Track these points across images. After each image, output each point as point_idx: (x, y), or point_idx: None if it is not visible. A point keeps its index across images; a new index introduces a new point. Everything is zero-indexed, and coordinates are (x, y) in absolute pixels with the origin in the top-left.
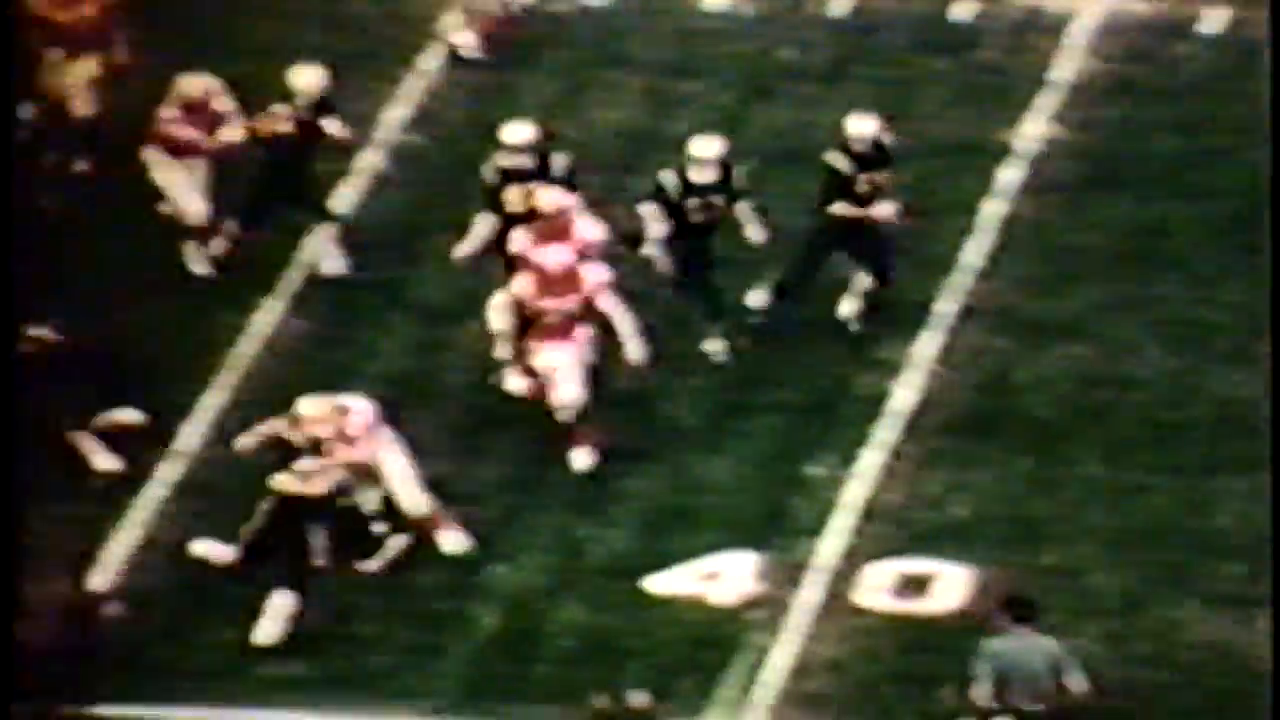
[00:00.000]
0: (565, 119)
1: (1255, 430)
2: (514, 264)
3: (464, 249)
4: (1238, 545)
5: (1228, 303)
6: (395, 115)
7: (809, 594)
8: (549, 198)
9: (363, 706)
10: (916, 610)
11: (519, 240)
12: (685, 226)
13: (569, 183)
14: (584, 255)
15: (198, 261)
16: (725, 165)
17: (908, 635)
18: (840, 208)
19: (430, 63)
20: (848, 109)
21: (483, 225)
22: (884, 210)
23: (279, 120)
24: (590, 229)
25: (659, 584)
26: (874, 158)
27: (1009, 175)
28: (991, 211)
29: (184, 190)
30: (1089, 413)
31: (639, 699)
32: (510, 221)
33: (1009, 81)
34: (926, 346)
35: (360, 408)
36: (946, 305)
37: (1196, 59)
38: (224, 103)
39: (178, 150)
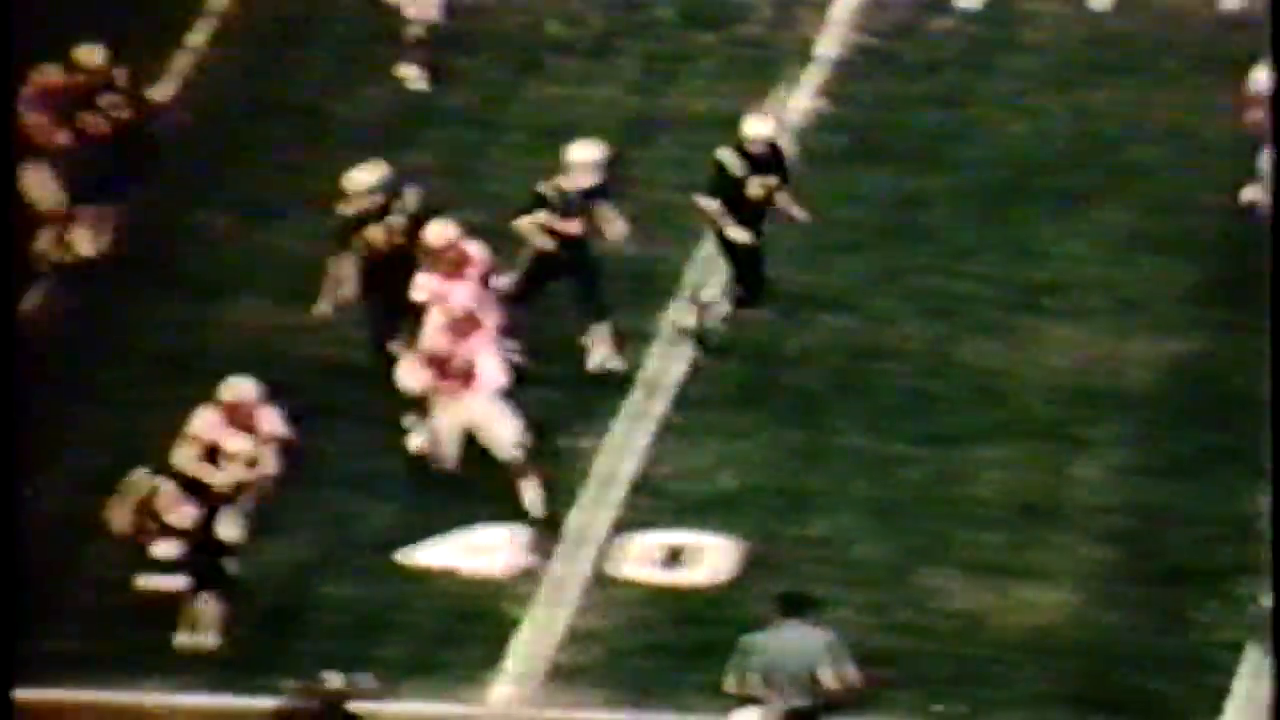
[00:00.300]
0: (339, 97)
1: (1010, 400)
2: (418, 312)
3: (326, 303)
4: (995, 515)
5: (984, 274)
6: (165, 92)
7: (573, 567)
8: (438, 231)
9: (126, 681)
10: (681, 582)
11: (426, 285)
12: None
13: (421, 217)
14: (485, 282)
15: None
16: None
17: (672, 607)
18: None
19: (199, 39)
20: (615, 83)
21: (343, 269)
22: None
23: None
24: (479, 250)
25: (423, 557)
26: (767, 160)
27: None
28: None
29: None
30: (852, 384)
31: (333, 680)
32: (374, 264)
33: (774, 56)
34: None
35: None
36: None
37: (956, 34)
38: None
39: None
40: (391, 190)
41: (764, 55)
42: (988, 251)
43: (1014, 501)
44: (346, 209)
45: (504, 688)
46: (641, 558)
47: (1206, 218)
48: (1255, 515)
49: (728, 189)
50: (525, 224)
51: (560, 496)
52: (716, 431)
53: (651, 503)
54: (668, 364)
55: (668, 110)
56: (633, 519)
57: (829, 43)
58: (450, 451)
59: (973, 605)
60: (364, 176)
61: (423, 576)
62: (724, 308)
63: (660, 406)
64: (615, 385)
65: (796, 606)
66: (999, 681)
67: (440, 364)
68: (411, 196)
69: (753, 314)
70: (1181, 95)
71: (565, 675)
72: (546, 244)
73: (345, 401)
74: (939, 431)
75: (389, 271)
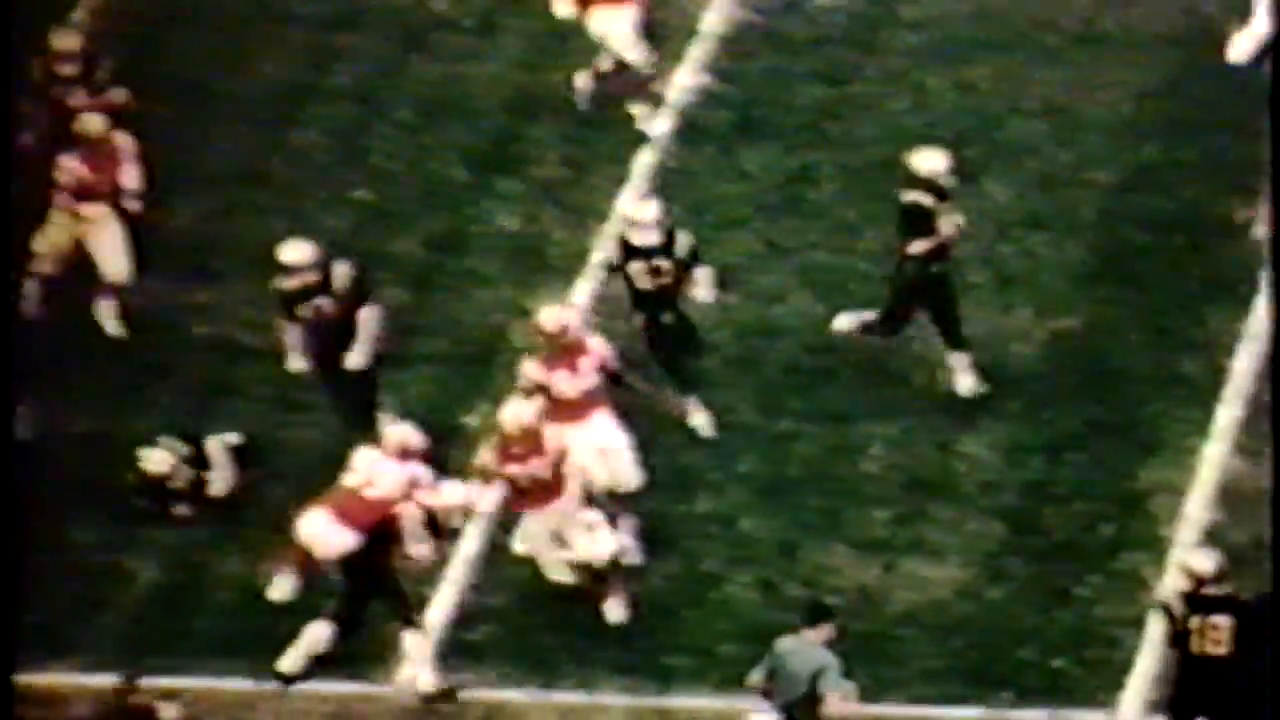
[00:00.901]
0: (228, 74)
1: (897, 376)
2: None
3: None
4: (883, 491)
5: (869, 250)
6: None
7: (469, 543)
8: (550, 316)
9: (20, 664)
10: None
11: (529, 372)
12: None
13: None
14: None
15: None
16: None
17: (566, 584)
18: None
19: (83, 15)
20: (501, 60)
21: (290, 338)
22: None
23: None
24: (598, 343)
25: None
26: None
27: (660, 125)
28: (643, 161)
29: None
30: (741, 361)
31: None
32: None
33: (660, 32)
34: (581, 295)
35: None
36: (600, 254)
37: (839, 10)
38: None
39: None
40: (323, 266)
41: (649, 32)
42: (873, 227)
43: (902, 478)
44: (283, 284)
45: (408, 666)
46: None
47: (1088, 193)
48: (1140, 490)
49: (920, 225)
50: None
51: (458, 475)
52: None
53: None
54: None
55: (553, 87)
56: None
57: (714, 19)
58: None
59: (862, 581)
60: (295, 253)
61: None
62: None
63: None
64: (503, 364)
65: (815, 617)
66: (892, 658)
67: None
68: (341, 273)
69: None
70: (1063, 72)
71: (467, 653)
72: (644, 284)
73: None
74: (827, 408)
75: (338, 337)
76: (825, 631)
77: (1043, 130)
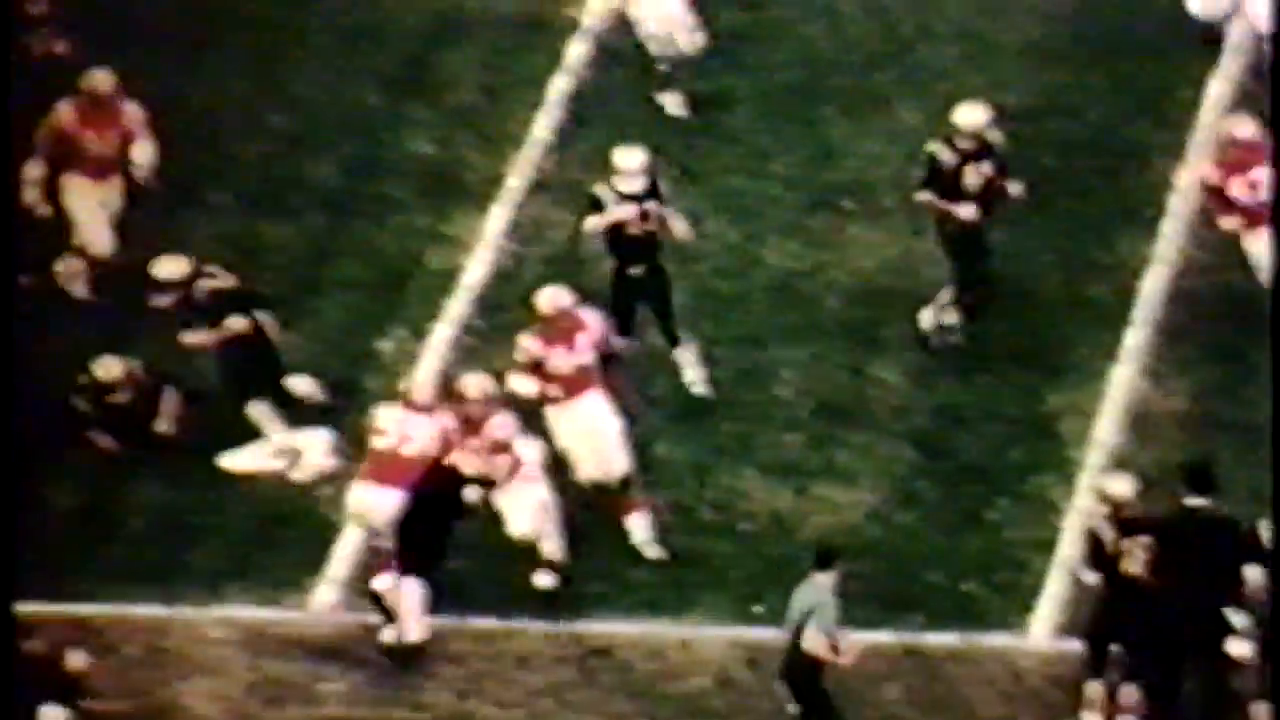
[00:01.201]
0: (142, 3)
1: (810, 301)
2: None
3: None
4: (794, 415)
5: (783, 175)
6: None
7: None
8: (549, 298)
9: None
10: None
11: (528, 347)
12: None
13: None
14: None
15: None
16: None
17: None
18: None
19: None
20: None
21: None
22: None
23: None
24: (593, 317)
25: (234, 461)
26: (978, 152)
27: (576, 50)
28: (559, 86)
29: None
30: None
31: None
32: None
33: None
34: (496, 221)
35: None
36: (516, 180)
37: None
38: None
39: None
40: (188, 281)
41: None
42: (786, 152)
43: (813, 402)
44: (160, 302)
45: (325, 592)
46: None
47: (998, 118)
48: (1048, 414)
49: (942, 180)
50: (590, 222)
51: (373, 400)
52: (517, 333)
53: None
54: (471, 267)
55: (472, 11)
56: None
57: None
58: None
59: (774, 506)
60: (166, 269)
61: (238, 481)
62: (953, 318)
63: (463, 308)
64: (418, 289)
65: (826, 558)
66: (794, 580)
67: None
68: (201, 289)
69: (554, 216)
70: None
71: None
72: (598, 227)
73: None
74: (739, 333)
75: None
76: (833, 574)
77: (953, 54)
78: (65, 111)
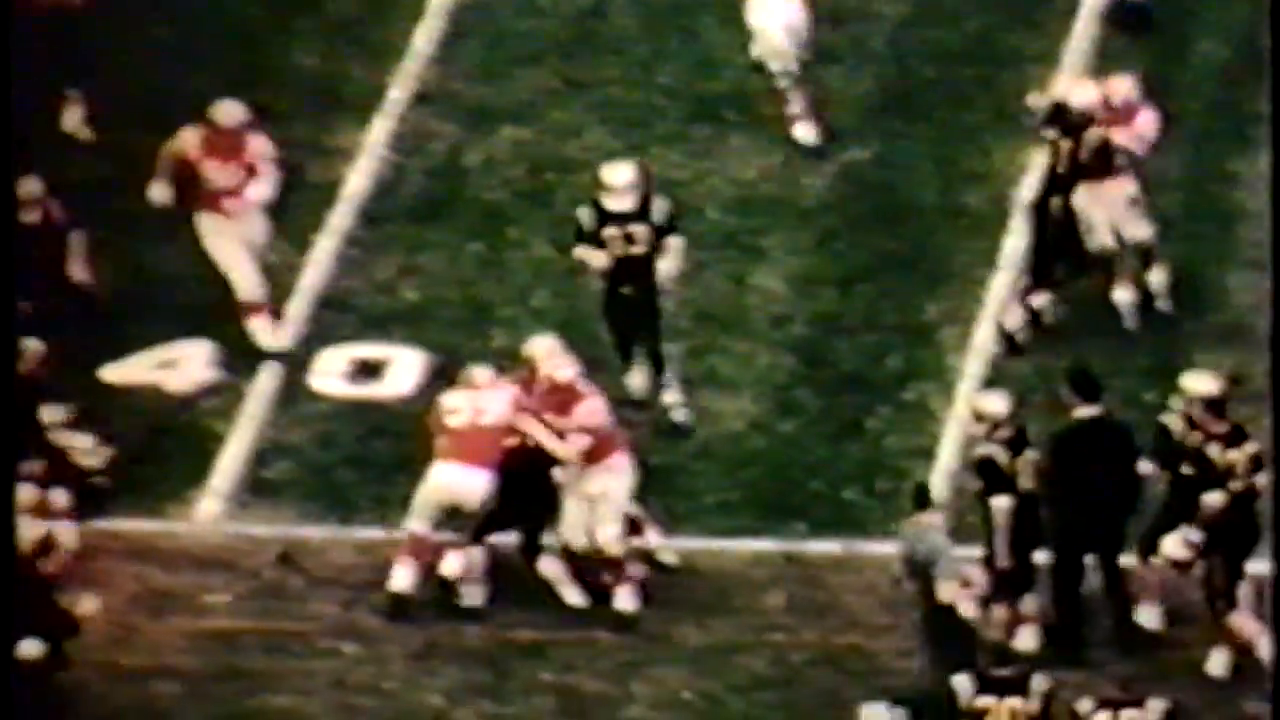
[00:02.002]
0: None
1: (691, 211)
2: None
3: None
4: (676, 324)
5: (663, 85)
6: None
7: (264, 381)
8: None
9: None
10: (370, 395)
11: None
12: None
13: None
14: None
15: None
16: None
17: (362, 420)
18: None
19: None
20: None
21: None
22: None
23: None
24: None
25: (114, 373)
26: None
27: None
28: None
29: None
30: (534, 196)
31: None
32: None
33: None
34: (378, 132)
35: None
36: (397, 91)
37: None
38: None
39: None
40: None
41: None
42: (666, 62)
43: (695, 311)
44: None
45: (209, 504)
46: (331, 371)
47: (877, 26)
48: (928, 322)
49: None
50: (580, 251)
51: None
52: (399, 244)
53: (337, 316)
54: (352, 179)
55: None
56: (319, 333)
57: None
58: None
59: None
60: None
61: (113, 391)
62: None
63: (344, 220)
64: (300, 202)
65: (920, 500)
66: (686, 492)
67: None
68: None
69: (436, 127)
70: None
71: (267, 490)
72: (602, 263)
73: None
74: None
75: None
76: (938, 513)
77: None
78: (190, 138)
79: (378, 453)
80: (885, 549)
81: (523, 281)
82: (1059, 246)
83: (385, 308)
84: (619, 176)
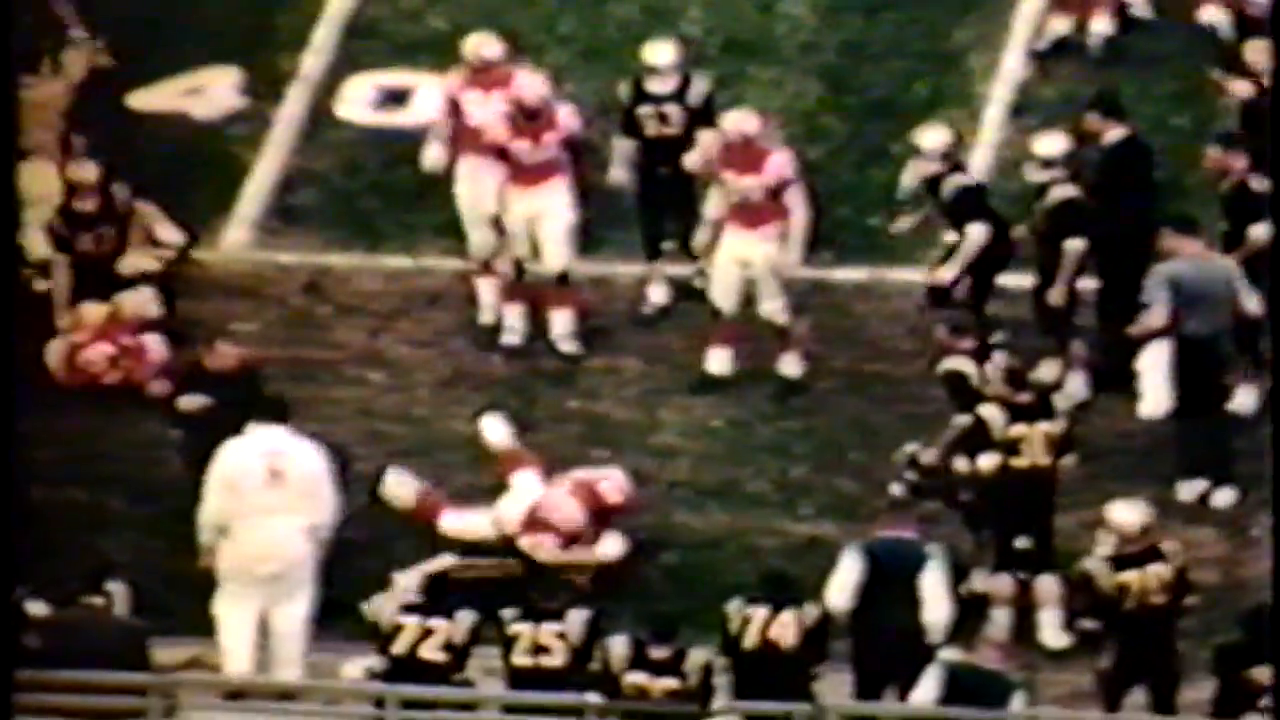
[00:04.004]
0: None
1: None
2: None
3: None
4: (703, 53)
5: None
6: None
7: (291, 108)
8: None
9: None
10: (396, 122)
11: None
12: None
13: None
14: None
15: None
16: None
17: (387, 148)
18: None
19: None
20: None
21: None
22: None
23: None
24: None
25: (141, 99)
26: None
27: None
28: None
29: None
30: None
31: None
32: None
33: None
34: None
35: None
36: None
37: None
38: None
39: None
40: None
41: None
42: None
43: (723, 39)
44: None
45: (236, 231)
46: (358, 99)
47: None
48: (955, 47)
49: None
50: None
51: (282, 39)
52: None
53: (365, 44)
54: None
55: None
56: (347, 61)
57: None
58: None
59: None
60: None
61: (145, 120)
62: None
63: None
64: None
65: (1188, 227)
66: None
67: None
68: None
69: None
70: None
71: (293, 217)
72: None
73: None
74: None
75: None
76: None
77: None
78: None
79: (403, 180)
80: (911, 275)
81: (549, 7)
82: None
83: (412, 35)
84: (661, 56)
